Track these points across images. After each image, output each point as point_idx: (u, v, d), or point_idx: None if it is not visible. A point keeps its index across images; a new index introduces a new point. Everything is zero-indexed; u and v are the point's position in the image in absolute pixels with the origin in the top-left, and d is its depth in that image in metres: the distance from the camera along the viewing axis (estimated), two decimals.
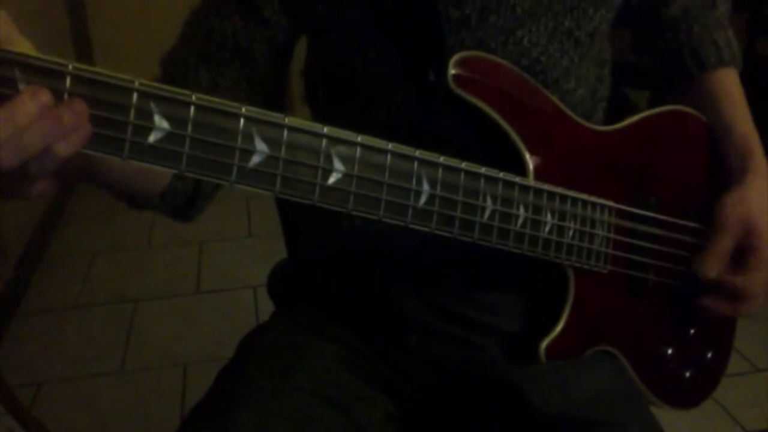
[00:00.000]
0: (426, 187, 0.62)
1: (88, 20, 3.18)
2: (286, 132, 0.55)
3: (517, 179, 0.68)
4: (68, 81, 0.47)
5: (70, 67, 0.47)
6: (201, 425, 0.74)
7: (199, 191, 0.75)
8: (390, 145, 0.60)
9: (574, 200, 0.72)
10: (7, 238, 2.25)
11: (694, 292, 0.80)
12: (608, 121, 0.80)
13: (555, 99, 0.73)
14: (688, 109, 0.83)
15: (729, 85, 0.84)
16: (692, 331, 0.86)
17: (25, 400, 1.78)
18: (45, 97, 0.46)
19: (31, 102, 0.45)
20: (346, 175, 0.58)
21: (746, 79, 0.87)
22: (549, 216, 0.70)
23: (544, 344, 0.74)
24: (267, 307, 0.96)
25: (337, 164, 0.58)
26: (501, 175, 0.66)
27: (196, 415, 0.76)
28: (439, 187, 0.63)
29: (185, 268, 2.48)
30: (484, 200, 0.65)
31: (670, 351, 0.84)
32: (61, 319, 2.22)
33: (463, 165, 0.64)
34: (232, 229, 2.71)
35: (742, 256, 0.77)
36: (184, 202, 0.75)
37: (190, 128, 0.51)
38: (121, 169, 0.58)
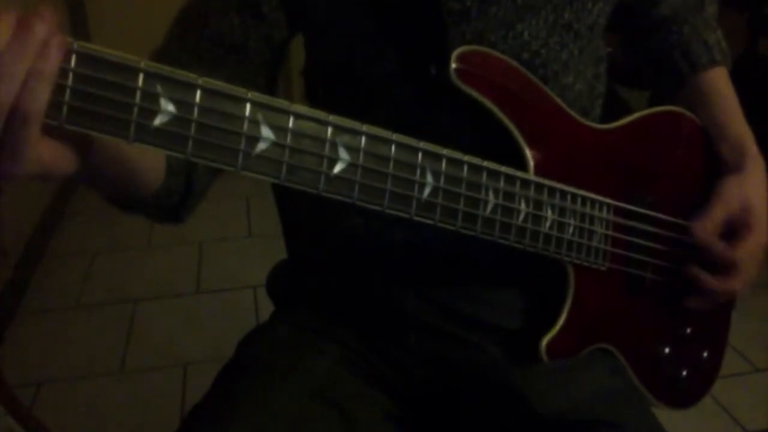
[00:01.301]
0: (430, 179, 0.62)
1: (88, 20, 3.18)
2: (291, 119, 0.55)
3: (519, 174, 0.68)
4: (73, 59, 0.46)
5: (75, 45, 0.46)
6: (201, 425, 0.74)
7: (190, 190, 0.74)
8: (394, 136, 0.60)
9: (574, 196, 0.72)
10: (7, 238, 2.25)
11: (691, 290, 0.81)
12: (603, 119, 0.81)
13: (555, 96, 0.73)
14: (683, 110, 0.84)
15: (721, 84, 0.86)
16: (688, 331, 0.86)
17: (25, 400, 1.79)
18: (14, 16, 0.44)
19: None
20: (351, 165, 0.58)
21: (747, 79, 0.87)
22: (549, 211, 0.70)
23: (544, 341, 0.74)
24: (267, 307, 0.96)
25: (343, 153, 0.57)
26: (503, 169, 0.67)
27: (196, 415, 0.76)
28: (442, 180, 0.63)
29: (185, 268, 2.48)
30: (487, 194, 0.66)
31: (666, 350, 0.84)
32: (61, 319, 2.22)
33: (466, 158, 0.64)
34: (232, 229, 2.71)
35: (735, 232, 0.79)
36: (176, 202, 0.74)
37: (196, 112, 0.51)
38: (114, 168, 0.57)
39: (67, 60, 0.46)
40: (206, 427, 0.73)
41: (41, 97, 0.45)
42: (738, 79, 0.87)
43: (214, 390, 0.79)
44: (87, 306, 2.29)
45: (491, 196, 0.66)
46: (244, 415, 0.72)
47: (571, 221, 0.72)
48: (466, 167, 0.64)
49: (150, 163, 0.63)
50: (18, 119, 0.45)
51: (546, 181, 0.70)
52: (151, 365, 2.00)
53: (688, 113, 0.84)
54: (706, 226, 0.79)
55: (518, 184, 0.68)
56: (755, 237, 0.79)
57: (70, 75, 0.47)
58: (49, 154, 0.49)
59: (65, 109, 0.47)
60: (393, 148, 0.60)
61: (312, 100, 0.86)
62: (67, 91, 0.47)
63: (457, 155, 0.64)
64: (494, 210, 0.66)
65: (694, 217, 0.80)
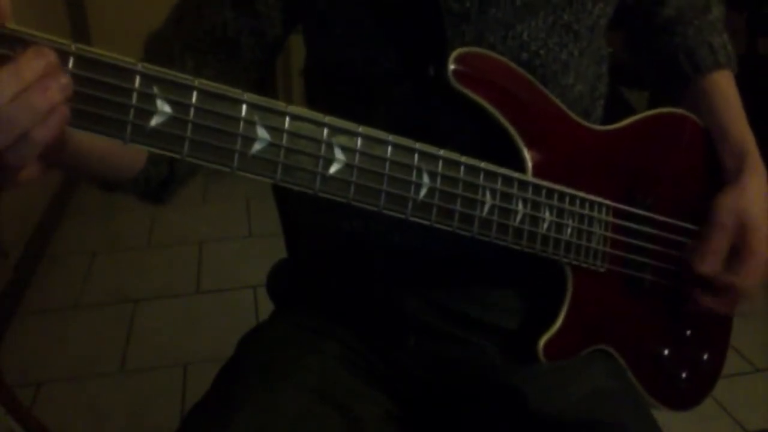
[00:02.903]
0: (426, 179, 0.62)
1: (87, 17, 3.18)
2: (287, 120, 0.55)
3: (516, 175, 0.68)
4: (71, 61, 0.47)
5: (74, 47, 0.47)
6: (200, 425, 0.74)
7: (172, 176, 0.75)
8: (390, 137, 0.60)
9: (572, 198, 0.72)
10: (7, 237, 2.25)
11: (690, 292, 0.80)
12: (605, 120, 0.80)
13: (554, 97, 0.73)
14: (684, 112, 0.84)
15: (724, 87, 0.85)
16: (688, 332, 0.86)
17: (25, 400, 1.78)
18: (51, 56, 0.45)
19: (36, 60, 0.44)
20: (347, 165, 0.58)
21: (746, 79, 0.87)
22: (547, 213, 0.70)
23: (542, 342, 0.74)
24: (267, 307, 0.96)
25: (338, 154, 0.58)
26: (500, 170, 0.67)
27: (196, 415, 0.76)
28: (439, 180, 0.63)
29: (185, 268, 2.48)
30: (483, 195, 0.66)
31: (666, 351, 0.84)
32: (61, 319, 2.22)
33: (463, 159, 0.64)
34: (232, 229, 2.71)
35: (736, 252, 0.78)
36: (157, 187, 0.75)
37: (192, 113, 0.51)
38: (93, 156, 0.58)
39: (65, 62, 0.47)
40: (206, 427, 0.73)
41: (53, 129, 0.46)
42: (738, 79, 0.87)
43: (214, 389, 0.80)
44: (87, 306, 2.29)
45: (488, 197, 0.66)
46: (244, 415, 0.72)
47: (569, 222, 0.72)
48: (462, 168, 0.64)
49: (125, 155, 0.64)
50: (28, 144, 0.45)
51: (544, 183, 0.70)
52: (151, 365, 2.00)
53: (689, 114, 0.84)
54: (708, 260, 0.77)
55: (515, 185, 0.68)
56: (756, 256, 0.77)
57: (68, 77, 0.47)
58: (25, 171, 0.49)
59: None
60: (389, 149, 0.60)
61: (312, 100, 0.86)
62: None
63: (454, 156, 0.64)
64: (491, 211, 0.66)
65: (692, 249, 0.78)
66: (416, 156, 0.62)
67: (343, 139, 0.58)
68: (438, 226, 0.64)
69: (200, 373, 1.92)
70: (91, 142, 0.55)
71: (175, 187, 0.77)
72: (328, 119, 0.57)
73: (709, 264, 0.77)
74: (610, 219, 0.76)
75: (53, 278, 2.44)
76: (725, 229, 0.77)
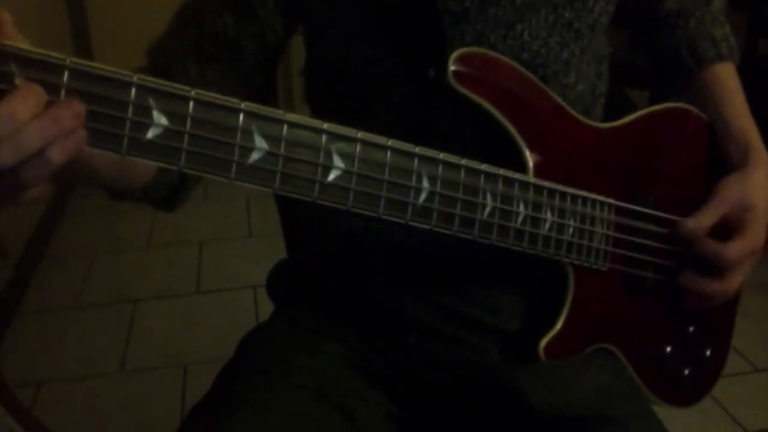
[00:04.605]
0: (426, 184, 0.62)
1: (87, 17, 3.18)
2: (285, 128, 0.55)
3: (517, 176, 0.68)
4: (66, 76, 0.47)
5: (68, 61, 0.47)
6: (201, 425, 0.74)
7: (183, 183, 0.75)
8: (390, 142, 0.60)
9: (574, 197, 0.72)
10: (7, 237, 2.25)
11: (690, 290, 0.80)
12: (607, 119, 0.80)
13: (555, 96, 0.73)
14: (687, 107, 0.83)
15: (727, 79, 0.85)
16: (691, 329, 0.86)
17: (25, 400, 1.79)
18: (42, 95, 0.46)
19: (30, 98, 0.45)
20: (346, 172, 0.58)
21: (747, 79, 0.87)
22: (549, 213, 0.70)
23: (543, 342, 0.74)
24: (267, 307, 0.96)
25: (337, 161, 0.58)
26: (501, 172, 0.66)
27: (196, 416, 0.76)
28: (438, 185, 0.63)
29: (185, 268, 2.48)
30: (484, 197, 0.65)
31: (668, 349, 0.84)
32: (61, 319, 2.22)
33: (463, 162, 0.64)
34: (232, 229, 2.71)
35: (732, 231, 0.77)
36: (167, 194, 0.75)
37: (188, 124, 0.51)
38: (105, 167, 0.58)
39: (60, 76, 0.47)
40: (206, 427, 0.73)
41: (43, 172, 0.47)
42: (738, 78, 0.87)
43: (215, 390, 0.79)
44: (87, 306, 2.29)
45: (489, 200, 0.66)
46: (244, 415, 0.72)
47: (571, 222, 0.72)
48: (463, 171, 0.64)
49: (136, 166, 0.64)
50: (43, 163, 0.47)
51: (545, 183, 0.70)
52: (151, 365, 2.01)
53: (692, 109, 0.83)
54: (695, 223, 0.77)
55: (516, 186, 0.68)
56: (751, 236, 0.77)
57: (63, 91, 0.47)
58: (35, 190, 0.50)
59: None
60: (388, 154, 0.60)
61: (311, 100, 0.86)
62: None
63: (454, 159, 0.63)
64: (492, 213, 0.66)
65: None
66: (416, 160, 0.61)
67: (341, 146, 0.58)
68: (438, 230, 0.64)
69: (200, 373, 1.92)
70: (101, 156, 0.55)
71: (185, 194, 0.77)
72: (326, 126, 0.57)
73: (693, 228, 0.77)
74: (612, 217, 0.76)
75: (53, 278, 2.44)
76: (724, 202, 0.77)
